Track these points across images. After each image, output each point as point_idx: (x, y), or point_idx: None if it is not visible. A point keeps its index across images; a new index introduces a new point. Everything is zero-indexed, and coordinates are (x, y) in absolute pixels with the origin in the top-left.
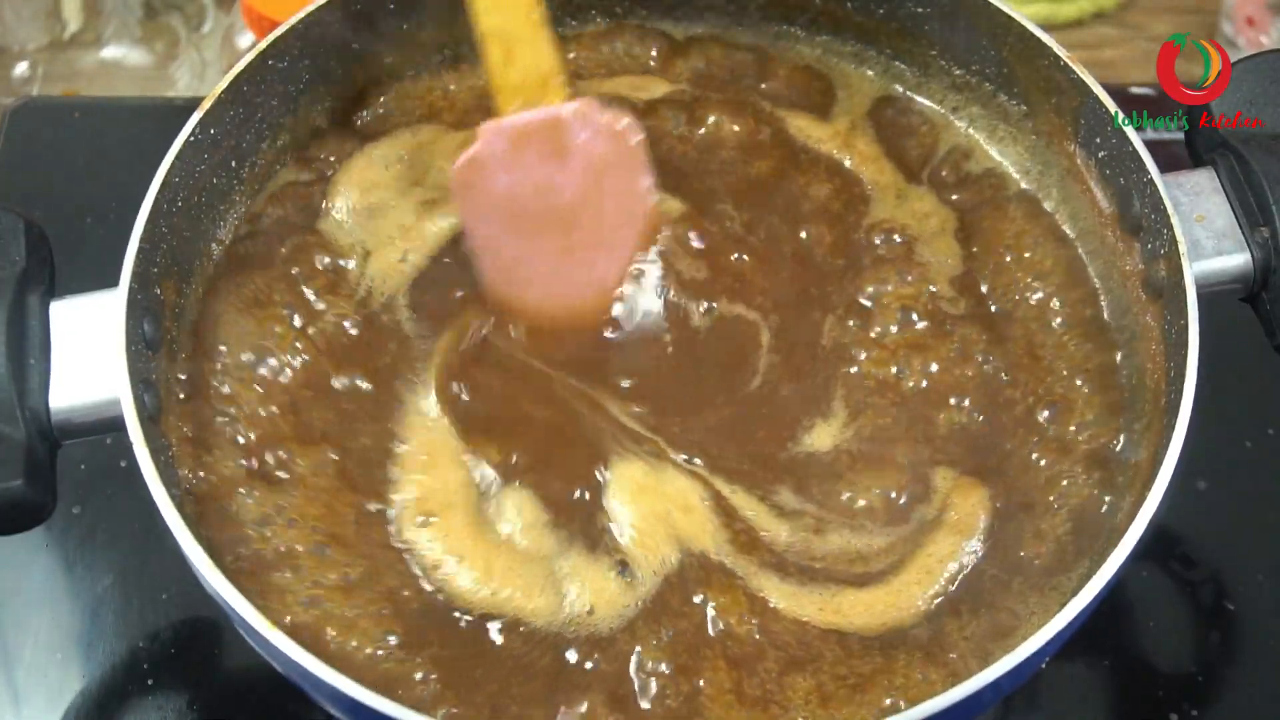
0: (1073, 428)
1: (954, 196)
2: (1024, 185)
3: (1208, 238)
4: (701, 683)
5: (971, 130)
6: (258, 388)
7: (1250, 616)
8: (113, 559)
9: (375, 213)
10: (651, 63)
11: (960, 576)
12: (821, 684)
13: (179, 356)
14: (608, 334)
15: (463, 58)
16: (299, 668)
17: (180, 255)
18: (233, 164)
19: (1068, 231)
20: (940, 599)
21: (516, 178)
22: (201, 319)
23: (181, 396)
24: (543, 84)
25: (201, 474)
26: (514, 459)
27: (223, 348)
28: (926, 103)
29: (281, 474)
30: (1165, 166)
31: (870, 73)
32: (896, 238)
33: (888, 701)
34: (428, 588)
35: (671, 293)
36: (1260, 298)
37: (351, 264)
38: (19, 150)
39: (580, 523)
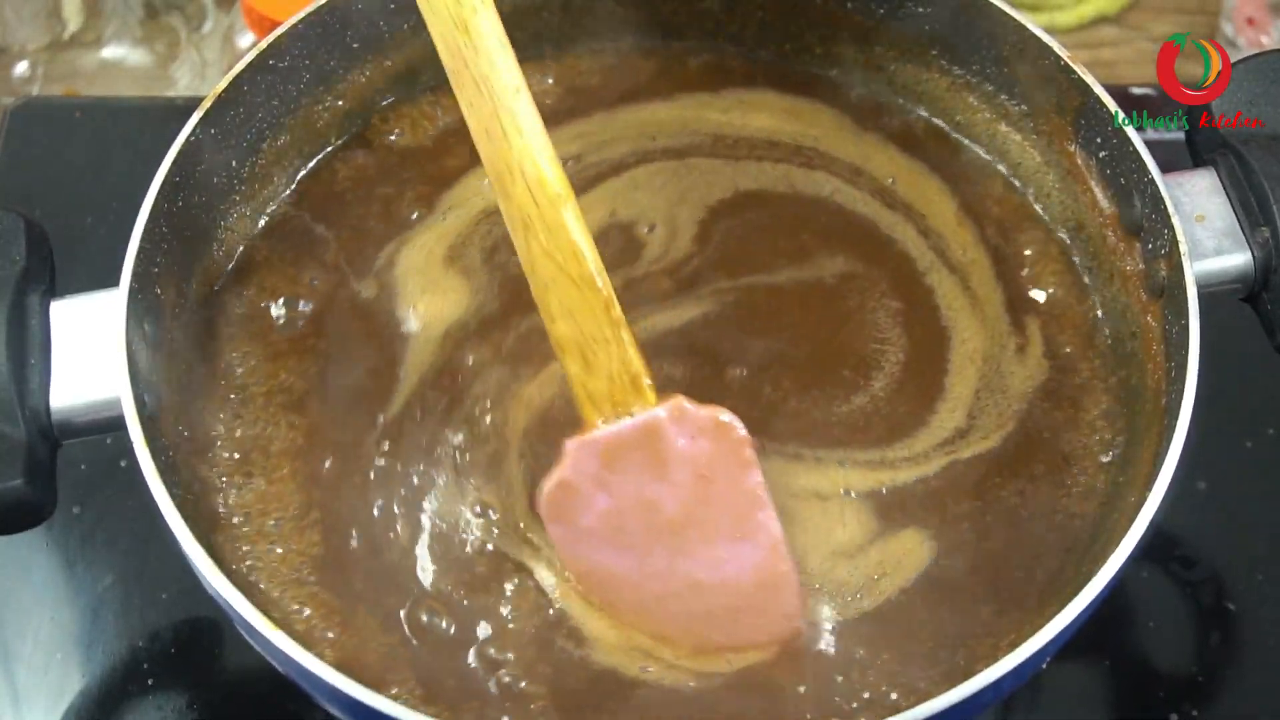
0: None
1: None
2: (1023, 184)
3: (1208, 237)
4: None
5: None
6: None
7: (1250, 616)
8: (113, 559)
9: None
10: None
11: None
12: None
13: (180, 353)
14: None
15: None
16: (299, 667)
17: (181, 255)
18: (233, 164)
19: (1067, 231)
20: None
21: (613, 497)
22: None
23: (184, 394)
24: (630, 386)
25: (203, 472)
26: None
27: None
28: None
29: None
30: (1165, 166)
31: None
32: None
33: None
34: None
35: None
36: (1260, 298)
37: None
38: (19, 150)
39: None
